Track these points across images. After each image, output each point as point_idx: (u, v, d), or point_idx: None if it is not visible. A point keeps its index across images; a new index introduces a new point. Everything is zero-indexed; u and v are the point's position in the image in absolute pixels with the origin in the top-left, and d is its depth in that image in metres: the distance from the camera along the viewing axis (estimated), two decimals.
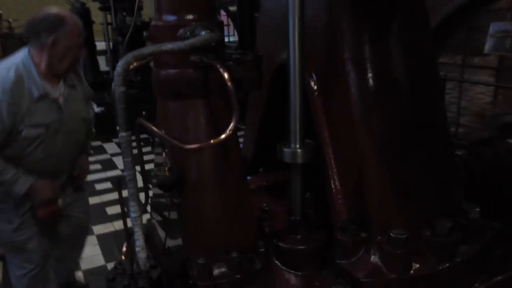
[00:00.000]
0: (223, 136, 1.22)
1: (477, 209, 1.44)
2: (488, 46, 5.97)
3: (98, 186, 3.89)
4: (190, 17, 1.29)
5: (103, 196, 3.66)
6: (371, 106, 1.39)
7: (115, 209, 3.38)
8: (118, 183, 1.48)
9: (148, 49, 1.17)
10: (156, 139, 1.55)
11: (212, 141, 1.24)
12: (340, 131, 1.45)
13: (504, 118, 2.53)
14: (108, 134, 5.45)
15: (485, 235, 1.46)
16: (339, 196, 1.46)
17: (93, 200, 3.55)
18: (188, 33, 1.25)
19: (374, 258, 1.35)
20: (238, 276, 1.34)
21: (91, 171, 4.24)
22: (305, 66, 1.36)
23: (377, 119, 1.39)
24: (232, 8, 5.99)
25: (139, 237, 1.29)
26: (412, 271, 1.32)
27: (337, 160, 1.47)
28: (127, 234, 1.60)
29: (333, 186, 1.46)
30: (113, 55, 5.80)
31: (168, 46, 1.18)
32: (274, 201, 1.61)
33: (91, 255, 2.64)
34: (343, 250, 1.40)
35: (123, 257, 1.73)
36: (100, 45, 6.08)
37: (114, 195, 3.68)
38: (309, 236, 1.48)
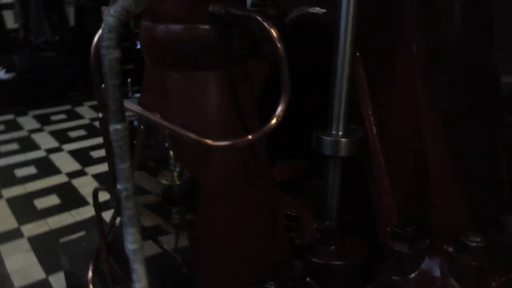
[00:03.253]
0: (272, 121, 0.82)
1: None
2: None
3: (19, 172, 3.21)
4: None
5: (27, 185, 3.00)
6: (441, 76, 1.07)
7: (46, 201, 2.77)
8: (95, 193, 1.03)
9: None
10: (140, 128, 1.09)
11: (250, 136, 0.83)
12: (390, 109, 1.13)
13: None
14: (21, 105, 4.62)
15: None
16: (387, 195, 1.15)
17: (16, 191, 2.91)
18: None
19: (442, 272, 1.08)
20: None
21: (6, 153, 3.52)
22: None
23: (446, 94, 1.08)
24: None
25: (140, 276, 0.87)
26: (488, 284, 1.07)
27: (384, 148, 1.15)
28: (101, 252, 1.18)
29: (378, 182, 1.15)
30: (23, 9, 4.82)
31: None
32: (297, 202, 1.25)
33: (26, 265, 2.09)
34: (399, 263, 1.11)
35: (90, 287, 1.29)
36: None
37: (42, 183, 3.05)
38: (349, 246, 1.17)
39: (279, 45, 0.81)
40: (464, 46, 1.07)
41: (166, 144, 0.94)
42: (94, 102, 4.98)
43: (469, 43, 1.08)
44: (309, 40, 1.31)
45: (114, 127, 0.75)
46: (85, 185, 3.08)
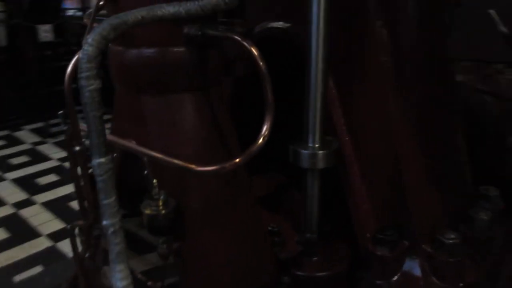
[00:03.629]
0: (259, 141, 0.81)
1: (496, 193, 1.31)
2: None
3: None
4: None
5: None
6: (408, 82, 1.11)
7: None
8: (71, 230, 0.97)
9: (136, 14, 0.68)
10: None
11: (238, 159, 0.81)
12: (362, 118, 1.16)
13: None
14: None
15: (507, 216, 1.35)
16: (363, 201, 1.17)
17: None
18: None
19: (423, 271, 1.12)
20: None
21: None
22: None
23: (413, 99, 1.13)
24: None
25: None
26: (466, 278, 1.12)
27: (358, 155, 1.17)
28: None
29: (355, 189, 1.17)
30: None
31: (168, 9, 0.71)
32: (278, 217, 1.25)
33: None
34: (382, 267, 1.14)
35: None
36: None
37: None
38: (333, 255, 1.18)
39: (261, 63, 0.81)
40: (427, 52, 1.13)
41: (146, 172, 0.90)
42: (34, 126, 4.69)
43: (431, 48, 1.14)
44: (274, 54, 1.32)
45: (98, 161, 0.71)
46: (35, 215, 2.89)
